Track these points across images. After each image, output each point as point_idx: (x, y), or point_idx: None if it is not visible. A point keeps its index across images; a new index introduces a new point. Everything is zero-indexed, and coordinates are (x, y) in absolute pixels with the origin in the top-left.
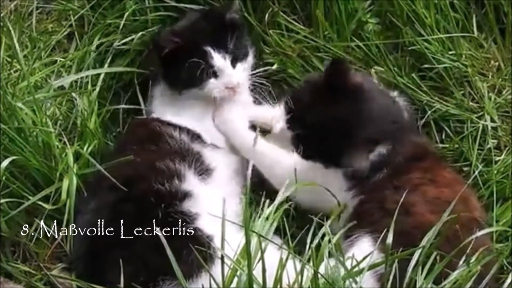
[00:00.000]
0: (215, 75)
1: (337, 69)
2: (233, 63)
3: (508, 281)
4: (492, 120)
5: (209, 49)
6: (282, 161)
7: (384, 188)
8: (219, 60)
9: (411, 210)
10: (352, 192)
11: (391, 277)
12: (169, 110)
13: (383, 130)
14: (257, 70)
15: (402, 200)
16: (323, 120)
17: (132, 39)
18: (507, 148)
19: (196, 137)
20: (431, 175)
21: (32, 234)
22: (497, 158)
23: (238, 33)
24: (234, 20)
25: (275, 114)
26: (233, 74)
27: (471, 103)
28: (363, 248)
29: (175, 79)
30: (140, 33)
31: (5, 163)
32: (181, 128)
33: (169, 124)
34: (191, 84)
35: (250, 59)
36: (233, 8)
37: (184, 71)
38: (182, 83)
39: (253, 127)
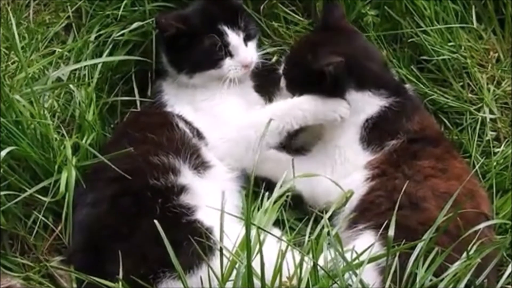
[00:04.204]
0: (230, 54)
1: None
2: (245, 41)
3: (507, 272)
4: (491, 112)
5: (223, 27)
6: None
7: (395, 175)
8: (234, 38)
9: (421, 205)
10: (368, 168)
11: (392, 271)
12: (178, 103)
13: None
14: (263, 52)
15: (411, 192)
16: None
17: (131, 30)
18: (506, 140)
19: (197, 132)
20: (442, 165)
21: (31, 226)
22: (496, 150)
23: (244, 13)
24: (238, 2)
25: None
26: (247, 51)
27: (470, 95)
28: (366, 243)
29: (187, 61)
30: (137, 23)
31: (3, 152)
32: (186, 121)
33: (172, 115)
34: (206, 66)
35: (256, 39)
36: None
37: (198, 52)
38: (196, 65)
39: None
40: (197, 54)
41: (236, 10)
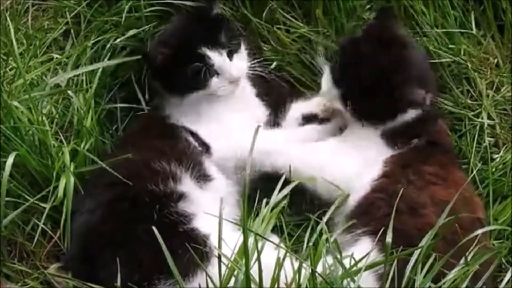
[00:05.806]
0: (216, 73)
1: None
2: (229, 56)
3: (506, 279)
4: (490, 118)
5: (204, 50)
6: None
7: (399, 179)
8: (216, 58)
9: (419, 212)
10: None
11: (390, 277)
12: (181, 114)
13: (426, 78)
14: (255, 61)
15: (411, 198)
16: (373, 70)
17: (129, 37)
18: (505, 146)
19: (203, 146)
20: (445, 173)
21: (29, 233)
22: (495, 156)
23: (226, 25)
24: (219, 14)
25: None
26: (232, 67)
27: (469, 101)
28: (365, 250)
29: (175, 86)
30: (134, 30)
31: (10, 159)
32: (192, 134)
33: (177, 127)
34: (194, 88)
35: (243, 49)
36: (215, 3)
37: (184, 76)
38: (184, 88)
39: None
40: (183, 80)
41: (215, 25)
